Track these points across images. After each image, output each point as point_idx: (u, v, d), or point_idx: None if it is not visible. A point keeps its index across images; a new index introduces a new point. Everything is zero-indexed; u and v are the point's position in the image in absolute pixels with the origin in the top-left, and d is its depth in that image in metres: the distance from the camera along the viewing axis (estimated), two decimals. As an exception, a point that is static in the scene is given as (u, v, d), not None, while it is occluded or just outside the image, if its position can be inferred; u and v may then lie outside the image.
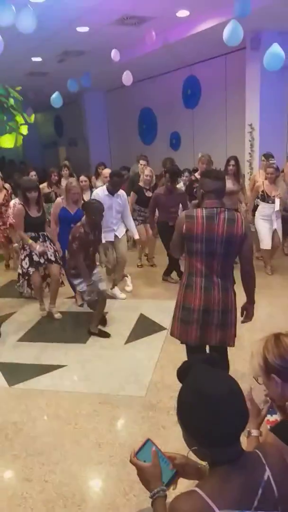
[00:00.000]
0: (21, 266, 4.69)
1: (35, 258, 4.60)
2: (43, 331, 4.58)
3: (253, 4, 4.68)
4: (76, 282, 4.24)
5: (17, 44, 6.58)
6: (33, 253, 4.59)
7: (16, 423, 3.06)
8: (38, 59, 8.32)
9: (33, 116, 13.33)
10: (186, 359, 1.28)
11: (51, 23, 5.95)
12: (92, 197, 4.92)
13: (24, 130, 14.19)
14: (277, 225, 5.59)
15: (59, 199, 5.00)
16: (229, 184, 5.77)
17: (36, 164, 12.19)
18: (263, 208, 5.58)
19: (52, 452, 2.74)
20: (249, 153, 7.25)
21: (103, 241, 4.92)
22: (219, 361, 1.24)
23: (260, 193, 5.56)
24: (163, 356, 3.85)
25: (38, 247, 4.54)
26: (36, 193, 4.53)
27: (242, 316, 2.82)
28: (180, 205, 5.51)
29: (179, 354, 3.77)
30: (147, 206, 5.76)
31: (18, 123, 14.39)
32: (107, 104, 12.65)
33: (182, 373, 1.22)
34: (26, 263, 4.61)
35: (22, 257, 4.68)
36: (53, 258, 4.68)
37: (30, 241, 4.55)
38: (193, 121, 9.58)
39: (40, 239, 4.64)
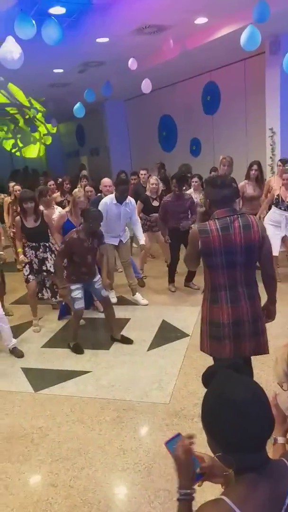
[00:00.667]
0: (23, 273, 4.78)
1: (35, 266, 4.70)
2: (67, 337, 4.62)
3: (271, 8, 4.67)
4: (73, 287, 4.12)
5: (39, 57, 6.75)
6: (33, 262, 4.69)
7: (42, 428, 3.10)
8: (60, 70, 8.50)
9: (55, 127, 13.60)
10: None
11: (72, 35, 6.08)
12: (100, 205, 4.93)
13: (47, 140, 14.49)
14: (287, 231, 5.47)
15: (63, 211, 5.03)
16: (250, 190, 5.73)
17: (59, 174, 12.37)
18: (274, 214, 5.38)
19: (77, 457, 2.76)
20: (271, 157, 7.18)
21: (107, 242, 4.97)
22: (243, 366, 1.23)
23: (275, 196, 5.45)
24: (186, 363, 3.84)
25: (21, 257, 4.69)
26: (33, 204, 4.59)
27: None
28: (189, 211, 5.53)
29: (203, 361, 3.75)
30: (153, 214, 5.82)
31: (41, 134, 14.71)
32: (127, 112, 12.78)
33: (207, 378, 1.21)
34: (27, 270, 4.70)
35: (23, 265, 4.76)
36: (52, 270, 4.70)
37: (19, 250, 4.74)
38: (213, 127, 9.57)
39: (41, 249, 4.69)
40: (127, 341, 4.34)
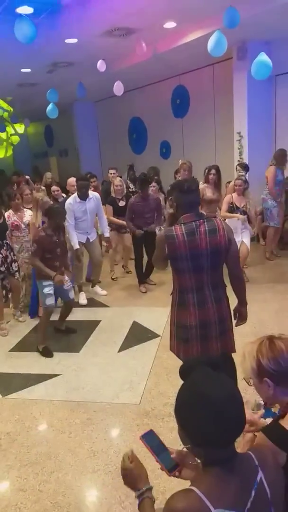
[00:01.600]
0: None
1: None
2: (36, 340, 4.55)
3: (239, 14, 4.78)
4: (45, 283, 4.17)
5: (6, 56, 6.64)
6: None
7: (10, 433, 3.04)
8: (27, 70, 8.37)
9: (23, 127, 13.38)
10: (179, 366, 1.28)
11: (41, 35, 6.00)
12: (66, 207, 5.03)
13: (14, 140, 14.21)
14: (245, 237, 5.58)
15: (33, 219, 4.98)
16: (209, 193, 5.85)
17: (27, 174, 12.17)
18: (231, 220, 5.44)
19: (47, 461, 2.73)
20: (238, 161, 7.34)
21: (77, 245, 5.18)
22: (222, 364, 1.25)
23: (230, 204, 5.61)
24: (157, 363, 3.86)
25: None
26: None
27: (235, 319, 2.80)
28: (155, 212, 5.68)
29: (173, 361, 3.77)
30: (121, 214, 5.87)
31: (8, 134, 14.41)
32: (97, 114, 12.74)
33: (185, 371, 1.22)
34: None
35: None
36: (12, 270, 4.77)
37: None
38: (183, 130, 9.68)
39: (4, 247, 4.69)
40: (71, 330, 4.61)
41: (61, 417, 3.18)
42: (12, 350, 4.37)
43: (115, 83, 6.88)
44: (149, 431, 1.37)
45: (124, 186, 6.38)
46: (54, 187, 6.39)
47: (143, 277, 5.84)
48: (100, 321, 4.90)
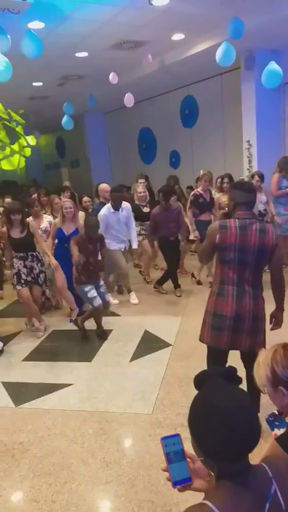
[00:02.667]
0: (12, 283, 4.90)
1: (23, 276, 4.75)
2: (48, 350, 4.58)
3: (246, 24, 4.83)
4: (86, 289, 4.51)
5: (19, 70, 6.76)
6: (21, 272, 4.73)
7: (23, 443, 3.05)
8: (39, 83, 8.54)
9: (34, 139, 13.57)
10: (192, 375, 1.26)
11: (51, 49, 6.14)
12: (99, 217, 5.19)
13: (27, 152, 14.40)
14: None
15: (56, 220, 5.17)
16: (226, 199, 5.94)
17: (39, 185, 12.35)
18: None
19: (60, 472, 2.73)
20: (248, 169, 7.34)
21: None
22: (236, 375, 1.23)
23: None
24: (169, 372, 3.84)
25: (8, 273, 4.93)
26: (20, 216, 4.69)
27: (271, 323, 2.86)
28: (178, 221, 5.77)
29: (185, 370, 3.78)
30: (146, 220, 6.04)
31: (21, 146, 14.63)
32: (107, 125, 12.89)
33: (199, 382, 1.20)
34: (15, 281, 4.78)
35: (12, 274, 4.84)
36: (41, 281, 4.86)
37: (7, 263, 4.88)
38: (192, 140, 9.73)
39: (29, 259, 4.76)
40: (103, 335, 4.69)
41: (74, 427, 3.18)
42: (25, 359, 4.39)
43: (126, 95, 6.97)
44: (174, 435, 1.25)
45: (147, 193, 6.53)
46: (85, 198, 6.60)
47: (171, 281, 5.91)
48: (112, 330, 4.91)
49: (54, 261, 4.90)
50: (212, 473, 1.15)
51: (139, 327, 4.91)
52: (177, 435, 1.24)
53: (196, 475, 1.27)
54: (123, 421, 3.20)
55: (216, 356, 2.81)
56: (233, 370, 1.22)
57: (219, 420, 1.07)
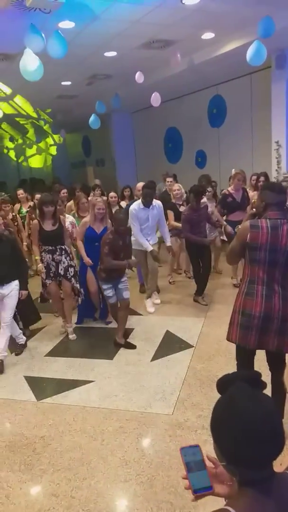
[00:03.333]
0: (41, 277, 4.81)
1: (53, 269, 4.68)
2: (71, 346, 4.63)
3: (277, 23, 4.75)
4: (105, 287, 4.50)
5: (48, 69, 6.84)
6: (51, 265, 4.67)
7: (44, 437, 3.08)
8: (68, 83, 8.63)
9: (61, 138, 13.75)
10: (213, 377, 1.25)
11: (81, 48, 6.19)
12: (130, 212, 5.22)
13: (52, 151, 14.63)
14: None
15: (86, 219, 5.08)
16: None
17: (65, 183, 12.49)
18: None
19: (79, 468, 2.75)
20: (276, 170, 7.22)
21: (150, 247, 5.24)
22: (261, 381, 1.21)
23: None
24: (190, 374, 3.82)
25: (39, 266, 4.70)
26: (53, 208, 4.65)
27: None
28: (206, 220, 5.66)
29: (207, 372, 3.75)
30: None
31: (47, 144, 14.85)
32: (133, 124, 12.93)
33: (223, 385, 1.18)
34: (44, 275, 4.71)
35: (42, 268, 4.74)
36: (64, 273, 4.68)
37: (37, 258, 4.73)
38: (219, 140, 9.64)
39: (57, 252, 4.68)
40: (130, 346, 4.43)
41: (94, 424, 3.19)
42: (48, 355, 4.45)
43: (153, 94, 6.97)
44: (193, 445, 1.23)
45: (183, 190, 6.40)
46: (112, 193, 6.60)
47: (200, 290, 5.67)
48: (133, 329, 4.91)
49: (87, 259, 4.86)
50: (235, 479, 1.13)
51: (161, 327, 4.89)
52: (197, 446, 1.23)
53: (217, 480, 1.24)
54: (143, 420, 3.20)
55: (244, 356, 2.83)
56: (257, 374, 1.19)
57: (242, 425, 1.05)
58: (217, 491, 1.29)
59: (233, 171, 6.31)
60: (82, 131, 15.16)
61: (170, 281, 6.48)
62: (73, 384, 3.81)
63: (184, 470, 1.20)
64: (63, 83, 8.60)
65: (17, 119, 12.18)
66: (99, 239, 4.68)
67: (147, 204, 5.27)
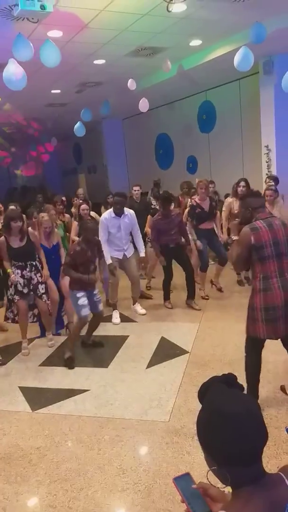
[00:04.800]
0: (10, 293, 4.62)
1: (19, 287, 4.52)
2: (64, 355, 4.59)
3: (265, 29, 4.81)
4: (78, 295, 4.28)
5: (37, 78, 6.89)
6: (18, 282, 4.51)
7: (40, 448, 3.05)
8: (57, 91, 8.65)
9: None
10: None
11: (69, 57, 6.21)
12: (100, 221, 5.22)
13: (44, 158, 14.61)
14: None
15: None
16: (237, 206, 5.76)
17: (57, 191, 12.47)
18: None
19: (76, 478, 2.72)
20: (267, 174, 7.27)
21: (109, 259, 5.15)
22: (237, 382, 1.24)
23: None
24: (186, 380, 3.81)
25: (12, 277, 4.48)
26: (20, 223, 4.49)
27: None
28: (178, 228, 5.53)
29: (203, 378, 3.72)
30: None
31: (38, 152, 14.85)
32: (124, 131, 12.98)
33: (202, 393, 1.22)
34: (13, 291, 4.55)
35: (10, 284, 4.58)
36: (39, 292, 4.59)
37: (9, 271, 4.52)
38: (209, 145, 9.70)
39: (27, 269, 4.54)
40: (98, 345, 4.61)
41: (90, 433, 3.17)
42: (42, 364, 4.42)
43: (141, 100, 7.01)
44: (184, 474, 1.25)
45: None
46: (83, 206, 6.03)
47: (191, 293, 5.66)
48: (128, 336, 4.90)
49: (46, 272, 4.71)
50: (228, 486, 1.13)
51: (155, 333, 4.88)
52: (187, 474, 1.25)
53: (212, 501, 1.25)
54: (139, 428, 3.18)
55: (258, 349, 3.13)
56: (233, 375, 1.23)
57: (226, 423, 1.07)
58: (215, 510, 1.30)
59: (196, 180, 6.21)
60: (73, 138, 15.19)
61: (147, 285, 6.46)
62: (68, 393, 3.78)
63: (183, 501, 1.21)
64: (52, 91, 8.62)
65: (4, 128, 12.19)
66: (52, 252, 4.86)
67: (119, 212, 5.19)
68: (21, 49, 4.30)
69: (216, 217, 5.93)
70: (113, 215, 5.21)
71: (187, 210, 5.99)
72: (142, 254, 5.58)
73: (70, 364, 4.26)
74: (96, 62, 6.83)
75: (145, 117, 9.48)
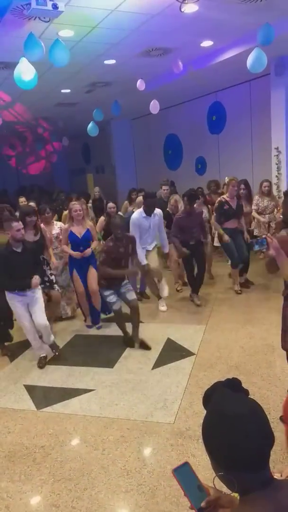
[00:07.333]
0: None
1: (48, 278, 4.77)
2: (71, 354, 4.59)
3: (275, 31, 4.77)
4: (106, 293, 4.52)
5: (47, 78, 6.91)
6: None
7: (44, 447, 3.05)
8: (67, 90, 8.67)
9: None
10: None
11: (80, 57, 6.22)
12: (131, 221, 5.33)
13: (52, 158, 14.63)
14: None
15: (65, 226, 5.19)
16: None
17: (65, 190, 12.50)
18: None
19: (80, 478, 2.71)
20: (276, 176, 7.23)
21: (144, 260, 5.34)
22: (241, 386, 1.22)
23: None
24: (191, 382, 3.78)
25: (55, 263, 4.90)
26: (35, 218, 4.73)
27: None
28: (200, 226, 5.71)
29: (208, 380, 3.72)
30: None
31: (47, 151, 14.89)
32: (133, 131, 12.97)
33: (206, 398, 1.20)
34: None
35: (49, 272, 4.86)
36: (49, 284, 4.79)
37: (53, 259, 4.93)
38: (219, 146, 9.67)
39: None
40: (145, 347, 4.51)
41: (95, 433, 3.16)
42: (48, 363, 4.42)
43: (152, 102, 7.00)
44: (183, 464, 1.23)
45: (181, 204, 6.44)
46: (110, 204, 6.21)
47: (194, 289, 5.79)
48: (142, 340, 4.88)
49: (74, 253, 4.93)
50: (235, 493, 1.12)
51: (161, 334, 4.86)
52: (186, 463, 1.23)
53: (215, 506, 1.23)
54: (144, 429, 3.17)
55: None
56: (237, 380, 1.21)
57: (231, 426, 1.06)
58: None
59: (226, 179, 6.34)
60: (82, 138, 15.22)
61: (178, 288, 6.38)
62: (73, 393, 3.77)
63: (182, 491, 1.20)
64: (62, 90, 8.64)
65: (17, 126, 12.23)
66: (83, 242, 4.89)
67: (149, 213, 5.40)
68: (33, 49, 4.30)
69: (242, 218, 5.99)
70: (144, 215, 5.41)
71: (215, 206, 6.09)
72: (166, 250, 5.83)
73: (128, 343, 4.58)
74: (106, 62, 6.83)
75: (154, 118, 9.45)
